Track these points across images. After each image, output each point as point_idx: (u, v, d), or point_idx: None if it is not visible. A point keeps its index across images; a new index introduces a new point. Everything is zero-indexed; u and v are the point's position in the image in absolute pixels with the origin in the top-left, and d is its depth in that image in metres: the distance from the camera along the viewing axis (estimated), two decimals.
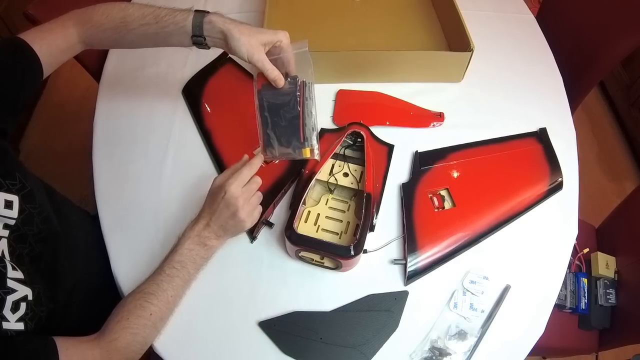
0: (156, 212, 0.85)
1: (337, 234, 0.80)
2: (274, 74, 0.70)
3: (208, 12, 0.70)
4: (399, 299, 0.76)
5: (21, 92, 0.66)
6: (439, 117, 0.97)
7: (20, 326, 0.56)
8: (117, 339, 0.61)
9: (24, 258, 0.61)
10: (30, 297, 0.59)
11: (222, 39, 0.70)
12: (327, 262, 0.77)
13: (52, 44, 0.68)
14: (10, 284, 0.57)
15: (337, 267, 0.76)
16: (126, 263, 0.79)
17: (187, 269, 0.69)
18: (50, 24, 0.70)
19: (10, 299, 0.56)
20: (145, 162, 0.92)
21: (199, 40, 0.71)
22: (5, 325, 0.54)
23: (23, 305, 0.57)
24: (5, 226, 0.59)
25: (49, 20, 0.96)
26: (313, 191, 0.85)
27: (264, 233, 0.83)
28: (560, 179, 0.89)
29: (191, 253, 0.69)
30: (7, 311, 0.55)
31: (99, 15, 0.71)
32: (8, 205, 0.59)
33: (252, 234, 0.81)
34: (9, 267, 0.57)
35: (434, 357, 0.71)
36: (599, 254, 1.00)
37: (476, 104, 1.02)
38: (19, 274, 0.59)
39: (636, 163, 1.92)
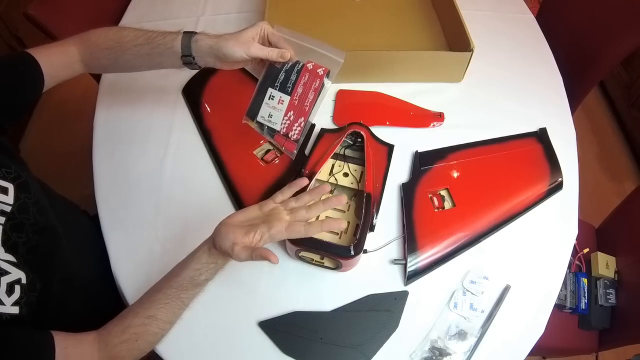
0: (156, 212, 0.85)
1: (337, 234, 0.80)
2: (276, 52, 0.71)
3: (196, 32, 0.72)
4: (399, 299, 0.76)
5: (21, 96, 0.69)
6: (439, 117, 0.97)
7: (15, 310, 0.56)
8: (124, 357, 0.61)
9: (18, 247, 0.60)
10: (24, 281, 0.58)
11: (211, 54, 0.71)
12: (327, 262, 0.77)
13: (53, 58, 0.72)
14: (3, 265, 0.56)
15: (337, 267, 0.76)
16: (126, 263, 0.79)
17: (199, 288, 0.66)
18: (54, 43, 0.74)
19: (4, 281, 0.55)
20: (145, 162, 0.92)
21: (188, 60, 0.72)
22: (1, 309, 0.54)
23: (17, 288, 0.57)
24: (2, 213, 0.59)
25: (48, 21, 0.99)
26: None
27: None
28: (560, 179, 0.89)
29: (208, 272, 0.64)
30: (2, 294, 0.55)
31: (96, 35, 0.75)
32: (3, 191, 0.60)
33: None
34: (2, 250, 0.57)
35: (434, 357, 0.71)
36: (599, 254, 1.00)
37: (476, 104, 1.02)
38: (11, 257, 0.58)
39: (636, 163, 1.92)
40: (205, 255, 0.63)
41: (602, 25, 1.13)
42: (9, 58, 0.70)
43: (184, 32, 0.72)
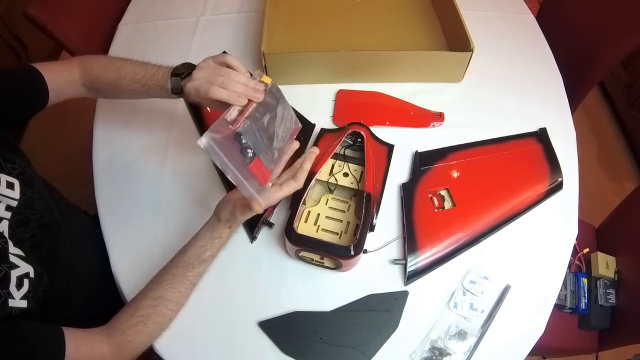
0: (156, 212, 0.85)
1: (337, 234, 0.80)
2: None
3: (181, 89, 0.70)
4: (399, 299, 0.76)
5: (25, 106, 0.71)
6: (439, 117, 0.97)
7: (24, 304, 0.56)
8: (132, 341, 0.62)
9: (24, 242, 0.61)
10: (32, 275, 0.59)
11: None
12: (327, 262, 0.77)
13: (58, 75, 0.73)
14: (13, 259, 0.57)
15: (337, 267, 0.76)
16: (126, 263, 0.80)
17: (204, 265, 0.68)
18: (59, 61, 0.76)
19: (14, 274, 0.56)
20: (146, 162, 0.92)
21: (181, 96, 0.73)
22: (11, 302, 0.54)
23: (26, 282, 0.57)
24: (8, 208, 0.59)
25: (48, 21, 0.99)
26: (313, 191, 0.85)
27: (264, 233, 0.83)
28: (560, 179, 0.89)
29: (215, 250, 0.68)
30: (12, 287, 0.55)
31: (98, 68, 0.75)
32: (9, 186, 0.60)
33: (252, 234, 0.81)
34: (10, 243, 0.58)
35: (434, 357, 0.71)
36: (599, 254, 1.00)
37: (476, 104, 1.02)
38: (20, 251, 0.59)
39: (636, 163, 1.92)
40: (209, 232, 0.67)
41: (602, 25, 1.13)
42: (16, 69, 0.70)
43: (173, 93, 0.71)
